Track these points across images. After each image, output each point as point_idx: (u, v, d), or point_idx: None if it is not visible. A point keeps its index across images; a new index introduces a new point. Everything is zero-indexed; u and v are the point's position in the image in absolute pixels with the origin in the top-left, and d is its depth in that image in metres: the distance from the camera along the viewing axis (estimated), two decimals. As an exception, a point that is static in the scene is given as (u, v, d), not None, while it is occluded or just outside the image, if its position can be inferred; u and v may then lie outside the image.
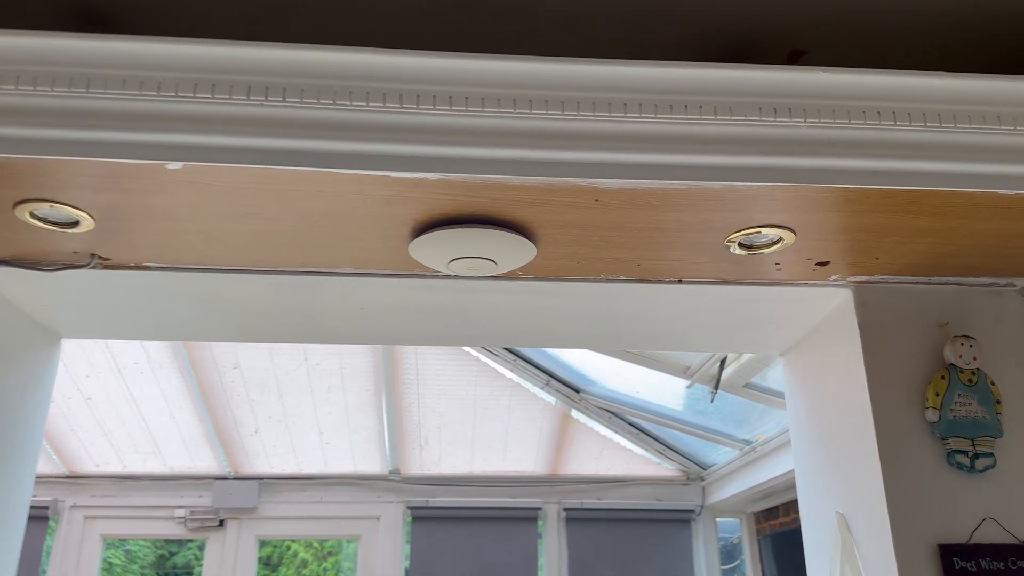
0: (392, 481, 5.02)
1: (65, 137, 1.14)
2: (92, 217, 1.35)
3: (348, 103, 1.17)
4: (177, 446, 4.82)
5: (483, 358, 4.26)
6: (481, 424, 4.72)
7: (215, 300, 1.68)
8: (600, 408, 4.48)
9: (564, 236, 1.41)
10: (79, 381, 4.44)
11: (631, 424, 4.55)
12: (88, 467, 4.94)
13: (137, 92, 1.14)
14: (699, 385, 3.72)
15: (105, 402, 4.55)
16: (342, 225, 1.37)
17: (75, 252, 1.49)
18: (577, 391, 4.44)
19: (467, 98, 1.18)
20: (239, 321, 1.79)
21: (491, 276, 1.56)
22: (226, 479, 4.97)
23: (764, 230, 1.37)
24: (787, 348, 1.93)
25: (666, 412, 4.31)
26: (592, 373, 4.30)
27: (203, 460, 4.93)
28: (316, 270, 1.55)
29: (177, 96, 1.16)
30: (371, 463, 4.95)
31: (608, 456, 4.78)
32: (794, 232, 1.39)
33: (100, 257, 1.51)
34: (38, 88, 1.13)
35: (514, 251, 1.41)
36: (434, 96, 1.18)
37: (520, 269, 1.53)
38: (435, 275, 1.57)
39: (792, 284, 1.61)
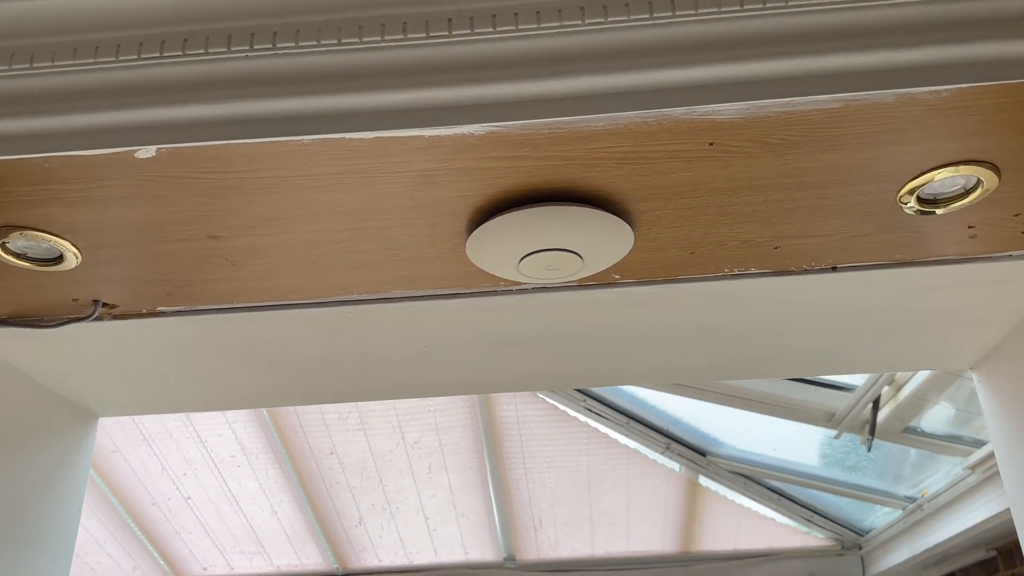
0: (508, 569, 4.59)
1: None
2: (75, 247, 1.08)
3: (358, 40, 0.87)
4: (282, 543, 4.58)
5: (592, 423, 3.85)
6: (598, 499, 4.27)
7: (251, 350, 1.38)
8: (732, 472, 3.95)
9: (669, 210, 1.04)
10: (178, 480, 4.28)
11: (770, 488, 3.99)
12: (195, 570, 4.75)
13: (85, 60, 0.88)
14: (847, 435, 3.20)
15: (205, 501, 4.37)
16: (374, 225, 1.05)
17: (74, 300, 1.23)
18: (703, 454, 3.94)
19: (516, 14, 0.86)
20: (286, 375, 1.49)
21: (578, 283, 1.21)
22: (335, 576, 4.67)
23: (956, 171, 0.97)
24: (980, 358, 1.47)
25: (810, 471, 3.75)
26: (717, 432, 3.82)
27: (310, 557, 4.66)
28: (358, 297, 1.24)
29: (140, 59, 0.88)
30: (483, 549, 4.55)
31: (747, 527, 4.21)
32: (997, 172, 0.98)
33: (104, 304, 1.24)
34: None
35: (604, 238, 1.05)
36: (471, 17, 0.86)
37: (615, 269, 1.17)
38: (507, 289, 1.22)
39: (990, 258, 1.18)
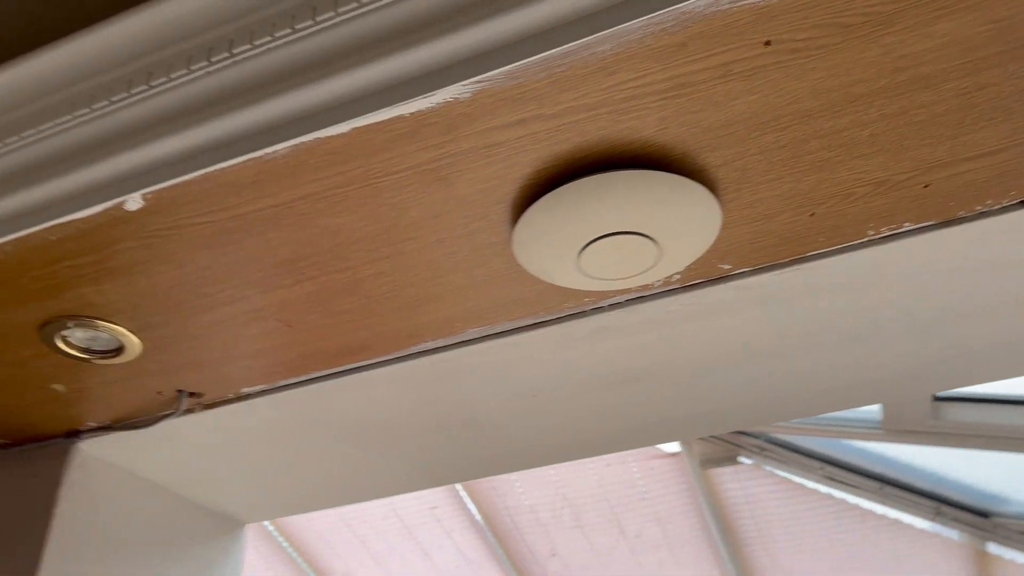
0: (773, 674, 4.02)
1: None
2: (128, 330, 1.03)
3: (312, 21, 0.75)
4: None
5: (837, 493, 3.32)
6: (866, 583, 3.65)
7: (352, 427, 1.26)
8: (1028, 534, 3.22)
9: (754, 156, 0.79)
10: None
11: (1085, 550, 3.20)
12: None
13: (61, 119, 0.83)
14: None
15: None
16: (406, 249, 0.90)
17: (159, 392, 1.18)
18: (985, 515, 3.26)
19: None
20: (402, 454, 1.35)
21: (680, 284, 0.97)
22: None
23: None
24: None
25: None
26: (997, 487, 3.15)
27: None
28: (433, 345, 1.08)
29: (111, 103, 0.82)
30: (740, 653, 4.03)
31: (1065, 602, 3.38)
32: None
33: (190, 393, 1.19)
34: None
35: (677, 210, 0.82)
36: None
37: (717, 256, 0.92)
38: (596, 307, 1.01)
39: None
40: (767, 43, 0.69)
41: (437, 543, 3.89)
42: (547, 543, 3.74)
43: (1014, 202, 0.86)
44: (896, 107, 0.75)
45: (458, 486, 3.54)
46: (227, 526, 1.55)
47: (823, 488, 3.33)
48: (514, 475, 3.45)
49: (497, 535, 3.77)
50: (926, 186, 0.84)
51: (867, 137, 0.78)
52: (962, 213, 0.87)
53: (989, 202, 0.86)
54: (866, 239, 0.91)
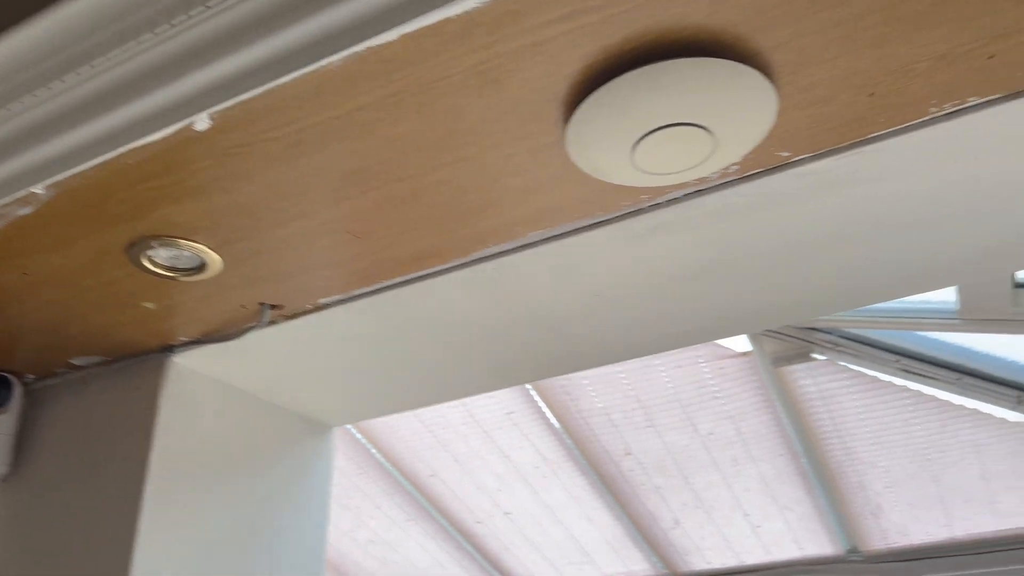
0: (855, 563, 4.11)
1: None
2: (209, 248, 1.09)
3: (356, -69, 0.76)
4: (605, 551, 4.54)
5: (913, 385, 3.29)
6: (945, 473, 3.65)
7: (430, 330, 1.31)
8: (1117, 419, 3.15)
9: (811, 35, 0.78)
10: (495, 497, 4.44)
11: None
12: (527, 583, 4.88)
13: (125, 46, 0.86)
14: None
15: (524, 514, 4.48)
16: (465, 155, 0.92)
17: (243, 306, 1.25)
18: (1070, 403, 3.19)
19: None
20: (479, 353, 1.40)
21: (739, 175, 0.97)
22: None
23: None
24: None
25: None
26: (1083, 371, 3.07)
27: (636, 563, 4.57)
28: (498, 249, 1.11)
29: (172, 26, 0.85)
30: (819, 543, 4.11)
31: None
32: None
33: (271, 306, 1.25)
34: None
35: (732, 97, 0.82)
36: None
37: (775, 144, 0.92)
38: (654, 203, 1.02)
39: None
40: (817, -85, 0.67)
41: (516, 445, 4.03)
42: (621, 443, 3.84)
43: (1090, 68, 0.82)
44: (958, -28, 0.72)
45: (533, 392, 3.63)
46: (316, 430, 1.65)
47: (899, 380, 3.30)
48: (586, 380, 3.52)
49: (573, 436, 3.88)
50: (991, 57, 0.81)
51: (927, 6, 0.76)
52: (1031, 83, 0.84)
53: (1063, 69, 0.83)
54: (929, 116, 0.88)
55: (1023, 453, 3.46)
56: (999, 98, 0.86)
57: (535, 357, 1.40)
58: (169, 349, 1.37)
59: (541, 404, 3.77)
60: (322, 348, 1.37)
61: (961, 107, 0.87)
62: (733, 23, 0.77)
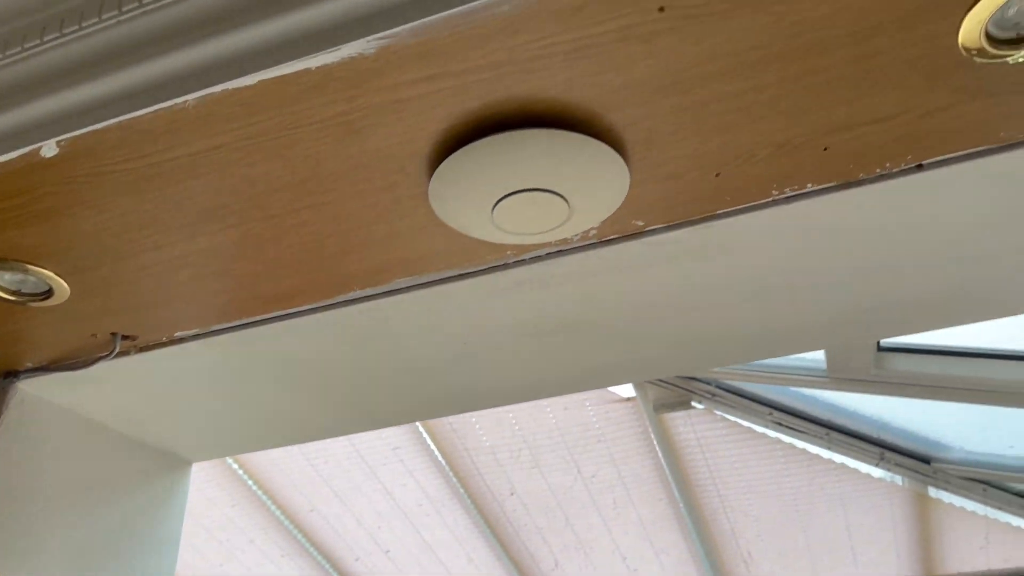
0: (725, 609, 4.20)
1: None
2: (56, 274, 1.05)
3: (218, -26, 0.75)
4: (485, 592, 4.51)
5: (785, 438, 3.43)
6: (811, 524, 3.80)
7: (286, 371, 1.29)
8: (965, 479, 3.36)
9: (659, 118, 0.82)
10: (375, 535, 4.35)
11: (1017, 494, 3.34)
12: (408, 623, 4.79)
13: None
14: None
15: (404, 553, 4.41)
16: (326, 200, 0.92)
17: (93, 335, 1.20)
18: (927, 461, 3.38)
19: None
20: (336, 398, 1.38)
21: (598, 239, 1.00)
22: (536, 624, 4.50)
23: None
24: None
25: (1066, 470, 3.09)
26: (938, 434, 3.27)
27: (515, 605, 4.55)
28: (363, 293, 1.11)
29: (24, 50, 0.83)
30: (692, 589, 4.20)
31: (998, 542, 3.55)
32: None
33: (124, 336, 1.21)
34: None
35: (585, 168, 0.85)
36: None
37: (631, 213, 0.95)
38: (518, 260, 1.04)
39: None
40: (661, 9, 0.70)
41: (400, 482, 3.97)
42: (506, 482, 3.84)
43: (911, 165, 0.89)
44: (791, 72, 0.77)
45: (420, 428, 3.61)
46: (173, 464, 1.59)
47: (772, 433, 3.43)
48: (474, 418, 3.52)
49: (458, 475, 3.86)
50: (826, 149, 0.87)
51: (767, 100, 0.80)
52: (861, 176, 0.90)
53: (888, 165, 0.89)
54: (771, 199, 0.94)
55: (884, 507, 3.64)
56: (835, 186, 0.92)
57: (403, 401, 1.39)
58: (14, 374, 1.30)
59: (428, 441, 3.74)
60: (178, 382, 1.32)
61: (800, 192, 0.93)
62: (587, 99, 0.80)
